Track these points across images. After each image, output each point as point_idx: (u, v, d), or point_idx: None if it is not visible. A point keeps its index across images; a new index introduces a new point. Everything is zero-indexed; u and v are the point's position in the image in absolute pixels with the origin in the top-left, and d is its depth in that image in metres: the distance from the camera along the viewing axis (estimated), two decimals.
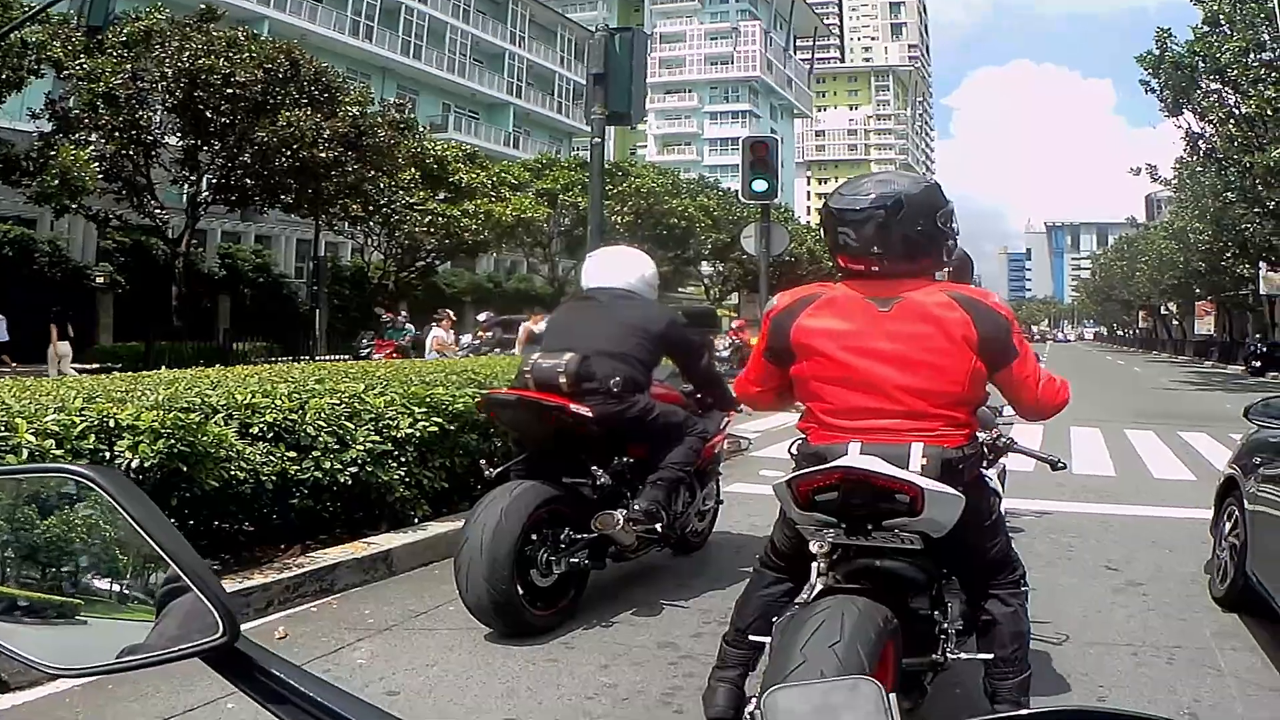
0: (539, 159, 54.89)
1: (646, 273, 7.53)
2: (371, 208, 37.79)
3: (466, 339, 28.41)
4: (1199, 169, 39.49)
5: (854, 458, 3.94)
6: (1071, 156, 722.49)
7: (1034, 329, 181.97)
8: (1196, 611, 7.16)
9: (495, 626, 6.20)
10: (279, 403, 7.60)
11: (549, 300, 42.54)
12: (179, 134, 31.98)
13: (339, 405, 7.97)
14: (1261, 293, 52.02)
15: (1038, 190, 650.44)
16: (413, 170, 39.31)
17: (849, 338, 4.13)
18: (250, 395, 7.55)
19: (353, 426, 7.90)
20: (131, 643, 1.22)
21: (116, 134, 29.80)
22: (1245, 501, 6.98)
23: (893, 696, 1.34)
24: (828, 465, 3.96)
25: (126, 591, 1.27)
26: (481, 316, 30.33)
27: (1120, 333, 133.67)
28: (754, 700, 1.47)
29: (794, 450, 4.39)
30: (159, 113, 31.26)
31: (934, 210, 4.18)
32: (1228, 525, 7.49)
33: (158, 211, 32.35)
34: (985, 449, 4.67)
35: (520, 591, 6.19)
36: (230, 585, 6.50)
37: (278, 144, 31.52)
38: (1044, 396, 4.35)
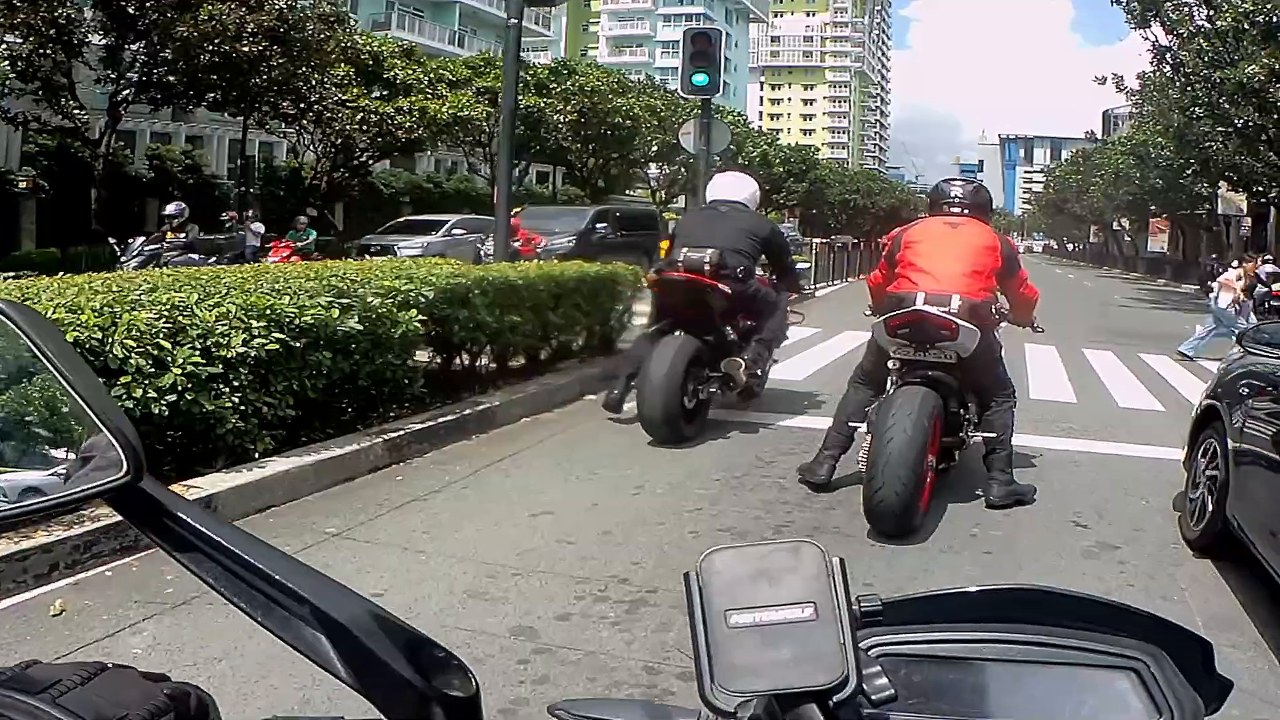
0: (482, 56, 53.08)
1: (752, 191, 10.45)
2: (303, 105, 36.06)
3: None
4: (1165, 83, 38.11)
5: (919, 304, 7.11)
6: (1027, 71, 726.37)
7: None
8: (1183, 585, 6.13)
9: (660, 435, 9.07)
10: (84, 318, 6.19)
11: (488, 201, 41.21)
12: (101, 31, 30.25)
13: (158, 320, 6.51)
14: (1219, 213, 51.45)
15: (993, 103, 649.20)
16: (346, 67, 37.85)
17: (929, 238, 7.67)
18: (53, 309, 6.18)
19: (170, 346, 6.44)
20: (35, 486, 1.14)
21: (34, 32, 27.92)
22: (1229, 438, 6.46)
23: (837, 560, 1.04)
24: (905, 310, 7.12)
25: (35, 433, 1.20)
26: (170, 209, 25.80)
27: (1070, 246, 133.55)
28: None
29: (883, 298, 7.83)
30: (83, 9, 29.44)
31: (987, 200, 8.33)
32: (1203, 461, 7.02)
33: (77, 112, 30.46)
34: (994, 307, 7.69)
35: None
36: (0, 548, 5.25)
37: (199, 39, 29.94)
38: (1029, 295, 8.23)
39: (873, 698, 1.03)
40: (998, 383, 7.72)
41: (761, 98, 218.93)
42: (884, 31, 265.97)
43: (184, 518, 1.09)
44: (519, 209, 37.11)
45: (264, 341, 7.00)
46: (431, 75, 42.96)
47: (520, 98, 45.94)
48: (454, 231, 32.10)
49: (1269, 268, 31.74)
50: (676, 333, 9.34)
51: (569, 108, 48.82)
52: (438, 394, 9.63)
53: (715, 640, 1.01)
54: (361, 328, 7.95)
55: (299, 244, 25.39)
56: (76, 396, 1.08)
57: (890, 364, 7.28)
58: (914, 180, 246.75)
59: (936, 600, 1.27)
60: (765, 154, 74.76)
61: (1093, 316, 28.53)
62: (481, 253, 26.03)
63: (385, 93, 40.60)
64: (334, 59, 36.48)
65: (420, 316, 8.68)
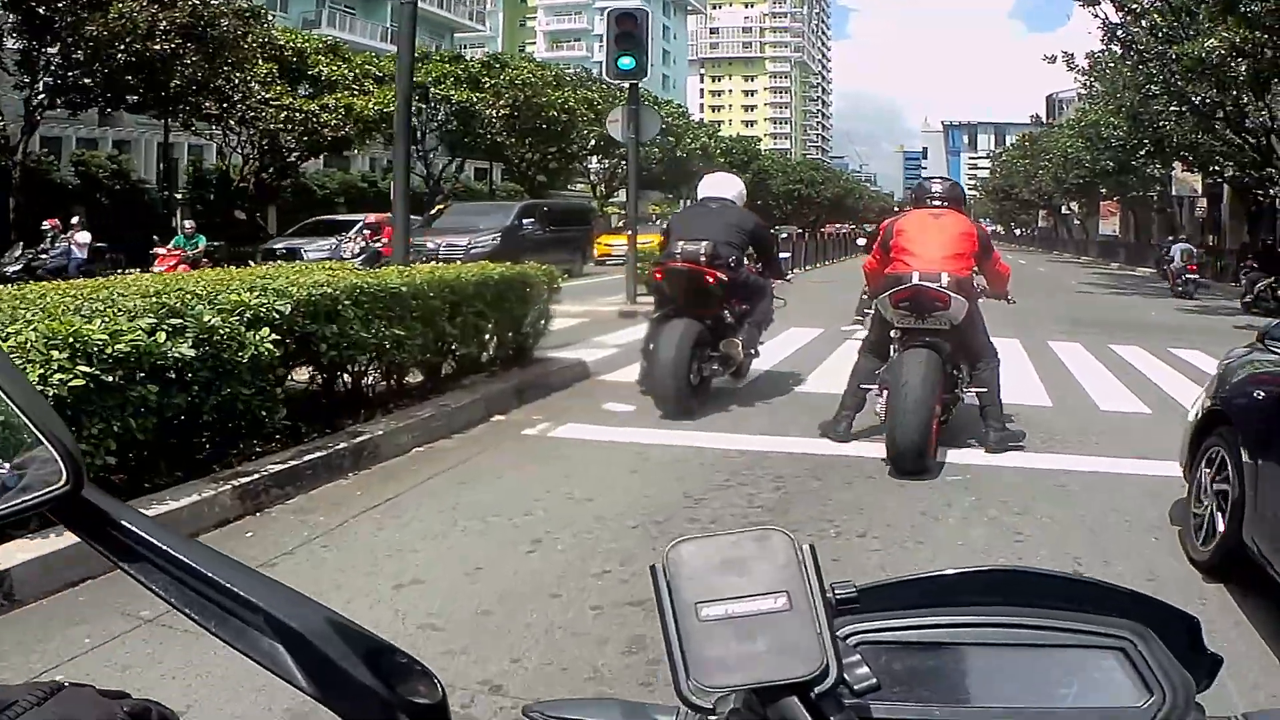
0: (420, 51, 51.52)
1: (739, 189, 11.53)
2: (226, 105, 35.02)
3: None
4: (1116, 62, 37.07)
5: (915, 280, 8.50)
6: (969, 58, 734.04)
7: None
8: (1224, 642, 4.65)
9: (670, 411, 10.05)
10: None
11: (423, 199, 40.66)
12: (15, 35, 29.47)
13: None
14: (1173, 194, 50.52)
15: (935, 90, 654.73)
16: (268, 64, 36.53)
17: (917, 227, 9.06)
18: None
19: None
20: None
21: None
22: (1242, 448, 5.60)
23: (807, 546, 1.03)
24: (906, 285, 8.51)
25: None
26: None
27: (1017, 232, 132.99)
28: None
29: (880, 279, 9.03)
30: None
31: (962, 195, 9.95)
32: (1209, 472, 6.12)
33: None
34: (974, 283, 9.06)
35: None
36: None
37: (110, 38, 28.74)
38: (1003, 272, 9.75)
39: (855, 687, 1.01)
40: (984, 346, 9.15)
41: (702, 90, 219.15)
42: (823, 21, 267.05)
43: (130, 527, 1.04)
44: (442, 205, 35.92)
45: (66, 377, 5.53)
46: (358, 71, 41.55)
47: (452, 93, 45.38)
48: (366, 232, 30.31)
49: (1181, 246, 36.37)
50: (680, 317, 10.30)
51: (501, 102, 47.38)
52: (317, 421, 8.17)
53: (687, 634, 0.99)
54: (197, 353, 6.48)
55: (190, 252, 23.64)
56: (10, 404, 1.03)
57: (893, 333, 8.74)
58: (858, 169, 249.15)
59: (912, 584, 1.26)
60: (705, 146, 73.34)
61: (1054, 304, 27.12)
62: (349, 254, 24.34)
63: (311, 90, 39.33)
64: (253, 56, 35.31)
65: (274, 336, 7.17)
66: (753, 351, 11.25)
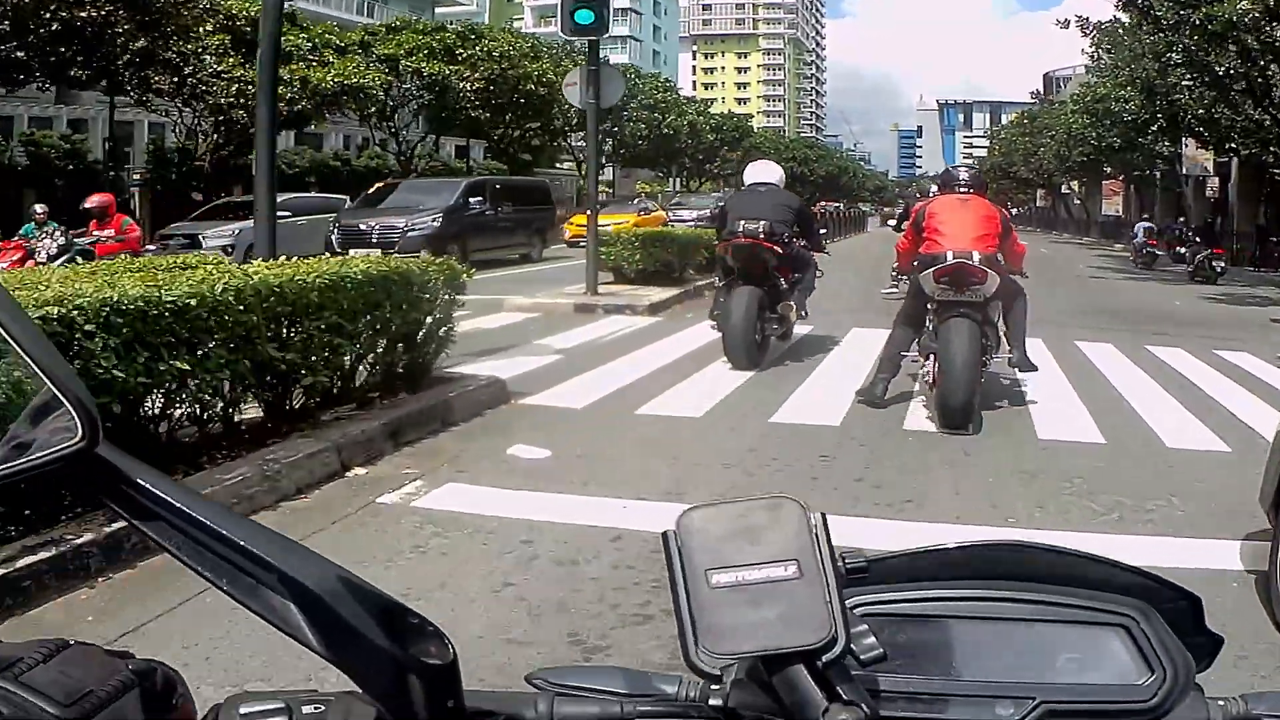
0: (399, 20, 49.39)
1: (780, 174, 13.31)
2: (177, 79, 33.18)
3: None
4: (1132, 28, 34.26)
5: (951, 259, 9.29)
6: (964, 37, 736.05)
7: (903, 202, 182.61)
8: None
9: (740, 362, 11.75)
10: None
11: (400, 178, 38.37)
12: None
13: None
14: (1183, 172, 47.87)
15: (930, 69, 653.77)
16: (220, 35, 34.16)
17: (947, 210, 9.86)
18: None
19: None
20: None
21: None
22: None
23: (818, 515, 1.04)
24: (949, 263, 9.29)
25: None
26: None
27: (1013, 211, 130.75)
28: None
29: (915, 261, 9.91)
30: None
31: (984, 181, 11.22)
32: None
33: None
34: (1001, 257, 9.76)
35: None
36: None
37: (35, 4, 27.00)
38: (1020, 250, 10.60)
39: (861, 658, 1.01)
40: (1015, 293, 10.20)
41: (695, 67, 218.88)
42: None
43: (144, 484, 1.03)
44: (382, 184, 33.21)
45: None
46: (317, 40, 38.90)
47: (424, 65, 42.74)
48: (281, 214, 27.10)
49: (1144, 224, 43.41)
50: (745, 285, 11.85)
51: (477, 75, 44.88)
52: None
53: (698, 601, 1.00)
54: None
55: (38, 244, 18.96)
56: (26, 358, 1.03)
57: (930, 305, 9.74)
58: (853, 148, 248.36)
59: (919, 556, 1.26)
60: (694, 122, 70.76)
61: (1068, 293, 24.63)
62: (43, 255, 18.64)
63: None
64: (197, 25, 33.05)
65: None
66: (803, 314, 12.90)
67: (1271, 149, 31.48)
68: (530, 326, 15.13)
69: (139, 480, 1.01)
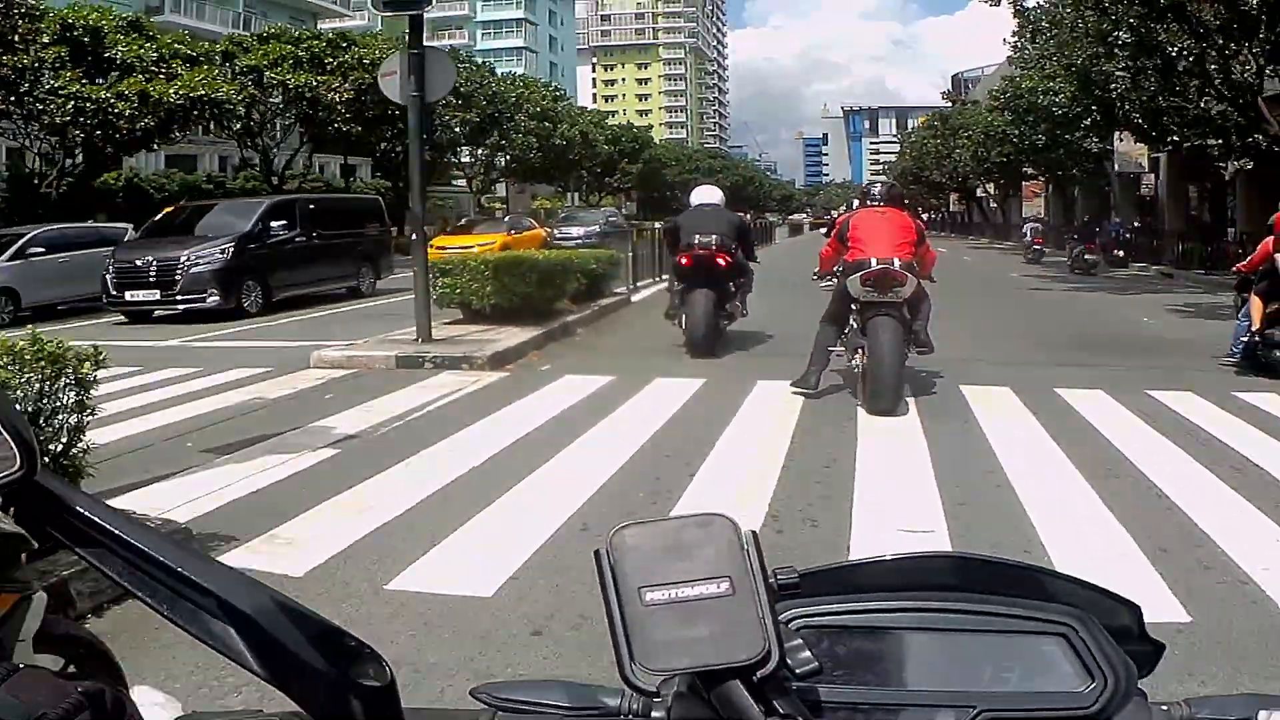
0: (269, 30, 46.17)
1: (721, 196, 15.97)
2: (13, 97, 30.88)
3: None
4: (1075, 5, 30.82)
5: (875, 265, 10.27)
6: (867, 44, 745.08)
7: (833, 214, 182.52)
8: None
9: (701, 350, 13.83)
10: None
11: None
12: None
13: None
14: (1115, 169, 44.94)
15: (834, 77, 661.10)
16: (56, 47, 31.75)
17: (869, 222, 10.94)
18: None
19: None
20: None
21: None
22: None
23: (749, 532, 1.08)
24: (872, 268, 10.28)
25: None
26: None
27: (927, 216, 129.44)
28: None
29: (839, 266, 11.10)
30: None
31: (901, 194, 13.78)
32: None
33: None
34: (915, 266, 10.79)
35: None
36: None
37: None
38: (932, 257, 11.69)
39: (797, 671, 1.03)
40: (923, 311, 11.18)
41: (595, 80, 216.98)
42: (718, 7, 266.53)
43: (83, 512, 1.07)
44: (171, 208, 28.54)
45: None
46: (164, 50, 34.82)
47: (289, 77, 38.94)
48: (30, 251, 22.59)
49: (1031, 225, 46.75)
50: (701, 288, 14.16)
51: (346, 85, 41.01)
52: None
53: (631, 618, 1.01)
54: None
55: None
56: None
57: (854, 306, 10.77)
58: (758, 157, 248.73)
59: (854, 570, 1.28)
60: (587, 133, 67.38)
61: (1010, 311, 21.83)
62: None
63: (116, 74, 33.11)
64: (31, 36, 30.33)
65: None
66: (744, 312, 15.28)
67: (1222, 139, 29.25)
68: (325, 395, 11.60)
69: (79, 508, 1.04)
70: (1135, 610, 1.24)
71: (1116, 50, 27.38)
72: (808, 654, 1.02)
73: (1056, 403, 10.73)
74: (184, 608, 1.01)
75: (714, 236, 14.12)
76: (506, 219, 41.27)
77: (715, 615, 0.98)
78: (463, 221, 40.40)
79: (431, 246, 34.30)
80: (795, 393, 10.94)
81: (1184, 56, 25.66)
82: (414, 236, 15.13)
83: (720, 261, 14.05)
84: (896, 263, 10.42)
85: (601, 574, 1.02)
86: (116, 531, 1.02)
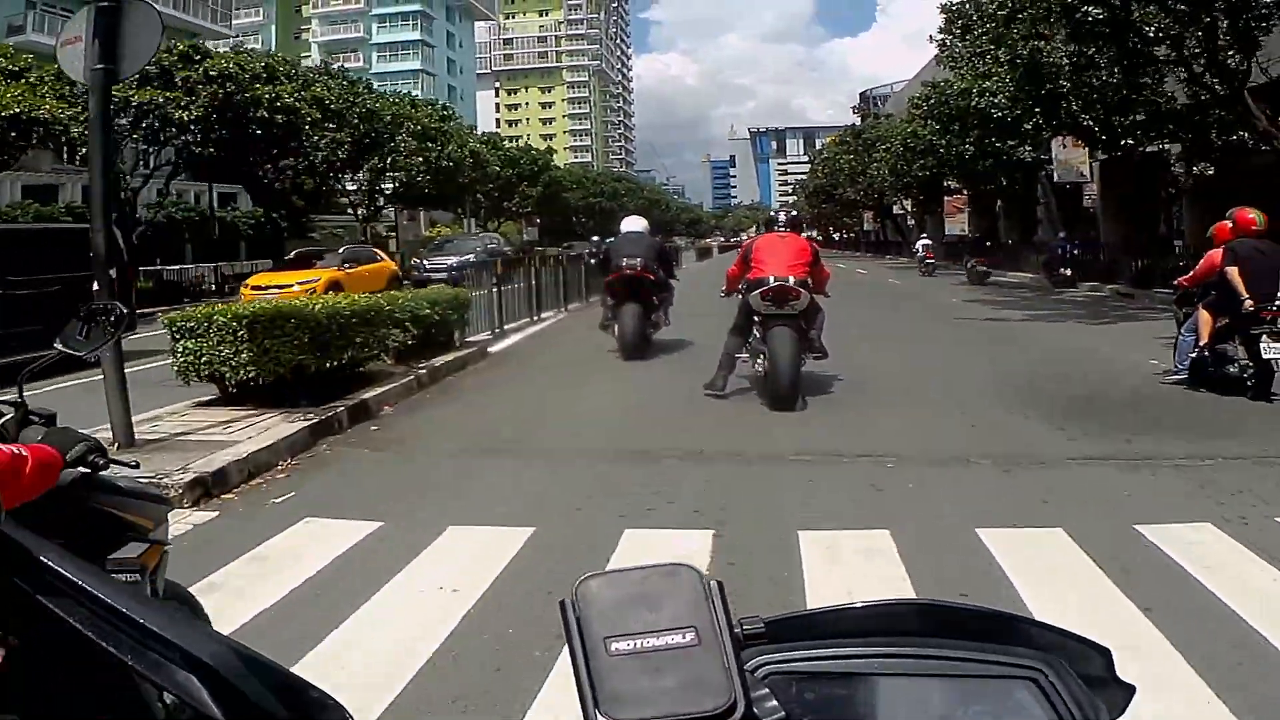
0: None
1: (646, 224, 19.15)
2: None
3: None
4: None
5: (773, 282, 12.11)
6: (773, 66, 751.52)
7: (744, 235, 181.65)
8: None
9: (632, 355, 16.60)
10: None
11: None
12: None
13: None
14: (1055, 179, 40.77)
15: (740, 100, 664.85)
16: None
17: (769, 246, 12.78)
18: None
19: None
20: None
21: None
22: None
23: (715, 582, 1.09)
24: (771, 285, 12.11)
25: None
26: None
27: (836, 236, 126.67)
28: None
29: (743, 284, 12.82)
30: None
31: (800, 221, 15.82)
32: None
33: None
34: (809, 283, 12.41)
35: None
36: None
37: None
38: (826, 275, 13.38)
39: None
40: (819, 323, 12.89)
41: (498, 104, 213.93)
42: (622, 30, 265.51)
43: (48, 563, 1.09)
44: None
45: None
46: None
47: (132, 94, 34.17)
48: None
49: (924, 241, 52.44)
50: (630, 303, 16.98)
51: (197, 102, 36.48)
52: None
53: (596, 669, 1.00)
54: None
55: None
56: None
57: (756, 318, 12.47)
58: (665, 181, 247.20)
59: (820, 617, 1.27)
60: (477, 153, 62.97)
61: (958, 352, 18.00)
62: None
63: None
64: None
65: None
66: (667, 323, 18.30)
67: (1194, 136, 26.43)
68: None
69: (43, 558, 1.07)
70: (1105, 654, 1.22)
71: (1068, 33, 23.85)
72: (774, 703, 1.02)
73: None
74: (149, 658, 1.00)
75: (639, 259, 17.19)
76: (342, 250, 34.76)
77: (681, 665, 0.97)
78: (293, 255, 34.31)
79: (245, 286, 29.62)
80: (707, 395, 12.70)
81: (1160, 39, 22.34)
82: (95, 286, 9.55)
83: (645, 281, 17.19)
84: (792, 280, 12.23)
85: (567, 624, 1.00)
86: (80, 583, 1.04)
